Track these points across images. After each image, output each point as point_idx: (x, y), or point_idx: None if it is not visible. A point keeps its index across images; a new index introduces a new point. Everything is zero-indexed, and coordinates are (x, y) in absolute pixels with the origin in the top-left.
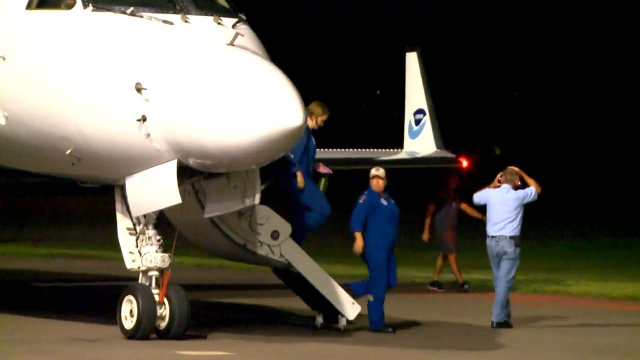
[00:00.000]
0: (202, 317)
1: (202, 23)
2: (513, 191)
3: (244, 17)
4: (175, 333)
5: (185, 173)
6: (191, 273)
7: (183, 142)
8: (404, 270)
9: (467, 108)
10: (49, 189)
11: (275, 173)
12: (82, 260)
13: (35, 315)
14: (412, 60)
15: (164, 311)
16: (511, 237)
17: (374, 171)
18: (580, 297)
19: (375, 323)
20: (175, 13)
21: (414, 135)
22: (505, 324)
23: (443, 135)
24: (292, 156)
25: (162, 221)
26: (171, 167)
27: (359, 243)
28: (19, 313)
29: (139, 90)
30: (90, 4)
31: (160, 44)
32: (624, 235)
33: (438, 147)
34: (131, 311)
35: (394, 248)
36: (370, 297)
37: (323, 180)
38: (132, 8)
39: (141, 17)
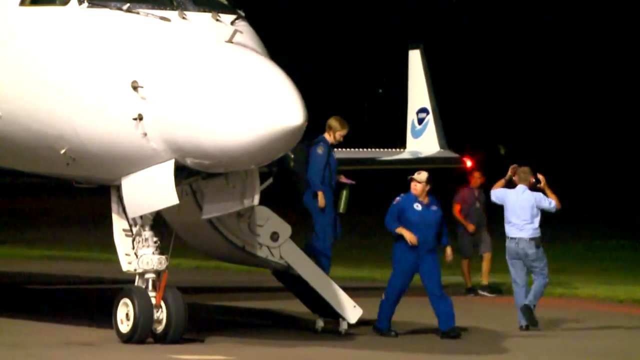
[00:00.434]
0: (199, 320)
1: (200, 20)
2: (529, 192)
3: (243, 14)
4: (172, 337)
5: (182, 173)
6: (189, 275)
7: (180, 142)
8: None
9: (471, 106)
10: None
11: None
12: (77, 263)
13: (28, 318)
14: (415, 58)
15: (161, 314)
16: (531, 239)
17: (415, 174)
18: (587, 300)
19: (380, 322)
20: (173, 9)
21: (416, 134)
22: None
23: (446, 134)
24: (313, 174)
25: (159, 222)
26: (168, 167)
27: (408, 236)
28: (12, 316)
29: (135, 88)
30: (85, 0)
31: (157, 41)
32: (631, 237)
33: (441, 146)
34: (127, 315)
35: (429, 252)
36: (382, 296)
37: (344, 191)
38: (128, 4)
39: (138, 13)
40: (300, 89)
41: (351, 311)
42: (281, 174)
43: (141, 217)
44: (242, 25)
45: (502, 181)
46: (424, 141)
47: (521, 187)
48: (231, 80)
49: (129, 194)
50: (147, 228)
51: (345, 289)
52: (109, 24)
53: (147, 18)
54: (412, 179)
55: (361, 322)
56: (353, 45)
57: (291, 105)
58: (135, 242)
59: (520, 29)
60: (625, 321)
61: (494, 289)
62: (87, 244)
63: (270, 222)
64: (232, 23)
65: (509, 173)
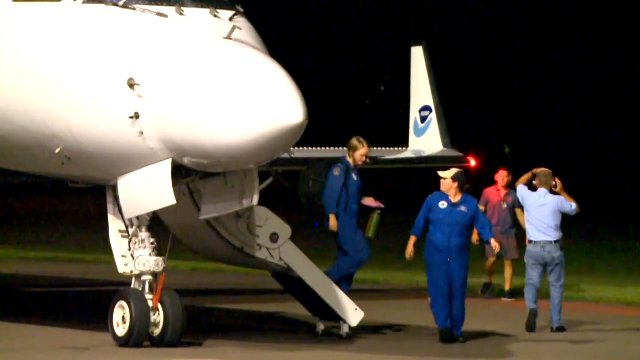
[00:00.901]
0: (197, 323)
1: (198, 16)
2: (551, 196)
3: (242, 10)
4: (169, 340)
5: (180, 173)
6: (186, 277)
7: (178, 141)
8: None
9: (475, 104)
10: (37, 189)
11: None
12: (72, 264)
13: (22, 322)
14: (417, 55)
15: (158, 317)
16: (556, 242)
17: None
18: (595, 302)
19: (439, 322)
20: (170, 5)
21: (419, 133)
22: (561, 329)
23: (450, 133)
24: (327, 197)
25: (156, 223)
26: (165, 167)
27: (408, 247)
28: (6, 320)
29: (131, 86)
30: None
31: (154, 38)
32: None
33: (445, 145)
34: (124, 317)
35: (457, 254)
36: (428, 299)
37: (375, 216)
38: (124, 0)
39: (134, 9)
40: (300, 86)
41: (353, 314)
42: (304, 195)
43: (138, 217)
44: (241, 21)
45: (529, 175)
46: (427, 140)
47: (543, 191)
48: (230, 78)
49: (125, 194)
50: (143, 229)
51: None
52: (105, 21)
53: (144, 14)
54: (440, 176)
55: (362, 325)
56: (354, 42)
57: (291, 102)
58: (131, 244)
59: (526, 25)
60: (634, 324)
61: (514, 293)
62: (82, 246)
63: (269, 222)
64: (231, 19)
65: (539, 169)
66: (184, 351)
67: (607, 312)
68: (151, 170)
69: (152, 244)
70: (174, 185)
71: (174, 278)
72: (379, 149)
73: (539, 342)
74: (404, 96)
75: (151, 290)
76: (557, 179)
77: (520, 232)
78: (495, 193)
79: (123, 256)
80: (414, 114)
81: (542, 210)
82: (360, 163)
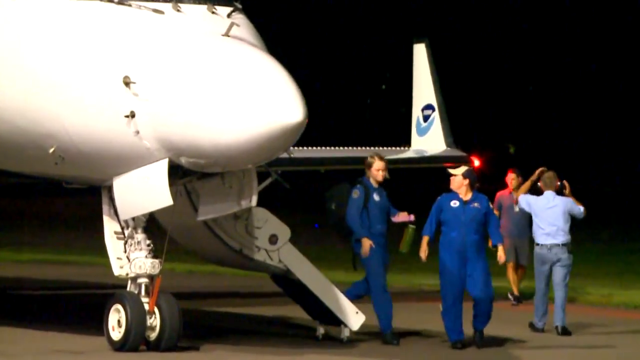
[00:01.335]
0: (195, 327)
1: (194, 12)
2: (559, 198)
3: (240, 6)
4: (166, 344)
5: (177, 173)
6: (183, 280)
7: (175, 140)
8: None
9: (479, 103)
10: (31, 190)
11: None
12: (67, 267)
13: (15, 325)
14: (420, 52)
15: (154, 321)
16: (564, 244)
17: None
18: (600, 306)
19: (454, 334)
20: (166, 1)
21: (422, 132)
22: (566, 330)
23: (453, 132)
24: (350, 220)
25: (152, 224)
26: (162, 167)
27: (422, 247)
28: None
29: (127, 84)
30: None
31: (150, 35)
32: None
33: (448, 145)
34: (119, 321)
35: (474, 254)
36: (440, 306)
37: (410, 230)
38: None
39: (130, 5)
40: (300, 84)
41: (353, 318)
42: (330, 219)
43: (133, 219)
44: (239, 18)
45: (528, 184)
46: (429, 139)
47: (550, 194)
48: (228, 76)
49: (120, 195)
50: (139, 230)
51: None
52: (100, 17)
53: (140, 10)
54: (450, 174)
55: (363, 329)
56: (355, 39)
57: (290, 101)
58: (127, 245)
59: (532, 21)
60: None
61: (521, 297)
62: (77, 247)
63: (268, 224)
64: (229, 16)
65: (536, 175)
66: (181, 355)
67: (612, 315)
68: (147, 170)
69: (148, 245)
70: (170, 185)
71: (171, 281)
72: (381, 148)
73: (547, 348)
74: (406, 94)
75: (147, 293)
76: (565, 182)
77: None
78: (506, 196)
79: (118, 258)
80: (416, 113)
81: (551, 212)
82: (380, 179)
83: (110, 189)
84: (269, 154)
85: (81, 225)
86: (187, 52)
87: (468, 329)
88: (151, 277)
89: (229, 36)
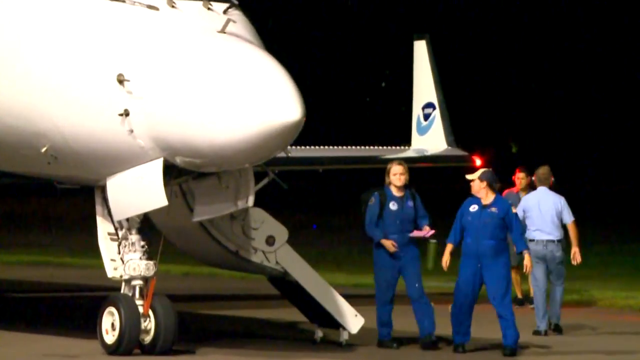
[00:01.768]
0: (190, 330)
1: (190, 8)
2: (553, 194)
3: (236, 2)
4: (161, 348)
5: (172, 173)
6: (179, 282)
7: (170, 139)
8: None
9: (481, 101)
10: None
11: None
12: (59, 269)
13: (6, 328)
14: (420, 49)
15: (149, 324)
16: (559, 241)
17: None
18: (605, 308)
19: (455, 334)
20: None
21: (422, 131)
22: (558, 328)
23: (454, 131)
24: (367, 227)
25: (146, 225)
26: (157, 167)
27: (444, 256)
28: None
29: (121, 82)
30: None
31: (145, 32)
32: None
33: (449, 144)
34: (113, 324)
35: (492, 260)
36: (449, 309)
37: (430, 245)
38: None
39: (124, 1)
40: (298, 82)
41: (352, 320)
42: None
43: (127, 219)
44: (236, 14)
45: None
46: (430, 138)
47: (544, 189)
48: (224, 73)
49: (114, 195)
50: (133, 231)
51: (346, 297)
52: (93, 13)
53: (134, 6)
54: (468, 179)
55: (363, 332)
56: (354, 35)
57: (288, 99)
58: (121, 247)
59: (533, 17)
60: None
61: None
62: (69, 249)
63: (265, 224)
64: (225, 12)
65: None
66: (176, 359)
67: (617, 318)
68: (142, 170)
69: (143, 247)
70: (165, 185)
71: (166, 283)
72: (380, 147)
73: (542, 351)
74: (406, 92)
75: (142, 296)
76: (576, 249)
77: None
78: (514, 194)
79: (112, 260)
80: (417, 111)
81: (546, 209)
82: (398, 183)
83: (103, 189)
84: (266, 153)
85: (74, 226)
86: (183, 49)
87: (475, 333)
88: (146, 279)
89: (225, 33)
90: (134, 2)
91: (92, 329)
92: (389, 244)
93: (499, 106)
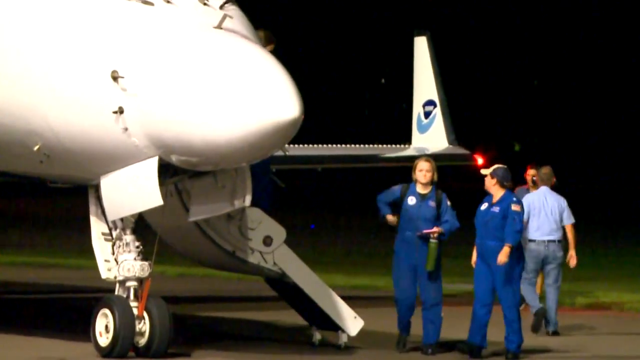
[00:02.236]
0: (186, 332)
1: (186, 4)
2: (555, 195)
3: None
4: (156, 351)
5: (167, 172)
6: (174, 283)
7: (165, 137)
8: None
9: (482, 98)
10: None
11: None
12: (52, 270)
13: None
14: (421, 46)
15: (144, 326)
16: (559, 241)
17: None
18: (610, 310)
19: (471, 335)
20: None
21: (423, 129)
22: (556, 333)
23: (456, 129)
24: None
25: (141, 225)
26: (151, 165)
27: (472, 256)
28: None
29: (115, 79)
30: None
31: (139, 27)
32: None
33: (450, 142)
34: (107, 326)
35: (494, 263)
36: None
37: (430, 245)
38: None
39: None
40: (296, 79)
41: (351, 322)
42: None
43: (122, 219)
44: (232, 9)
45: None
46: (431, 136)
47: (546, 189)
48: (220, 70)
49: (108, 195)
50: (128, 232)
51: (344, 299)
52: (87, 8)
53: (129, 2)
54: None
55: (362, 335)
56: (353, 32)
57: (286, 96)
58: (115, 247)
59: (536, 13)
60: None
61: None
62: (62, 250)
63: (263, 225)
64: (221, 7)
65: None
66: None
67: (624, 319)
68: (136, 168)
69: (137, 247)
70: (160, 184)
71: (161, 284)
72: (380, 146)
73: (543, 354)
74: (407, 90)
75: (136, 297)
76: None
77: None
78: (524, 191)
79: (106, 260)
80: (417, 109)
81: (549, 209)
82: (423, 180)
83: (97, 189)
84: (263, 151)
85: (67, 227)
86: (178, 45)
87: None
88: (140, 280)
89: (221, 29)
90: None
91: (85, 331)
92: (392, 218)
93: (501, 104)
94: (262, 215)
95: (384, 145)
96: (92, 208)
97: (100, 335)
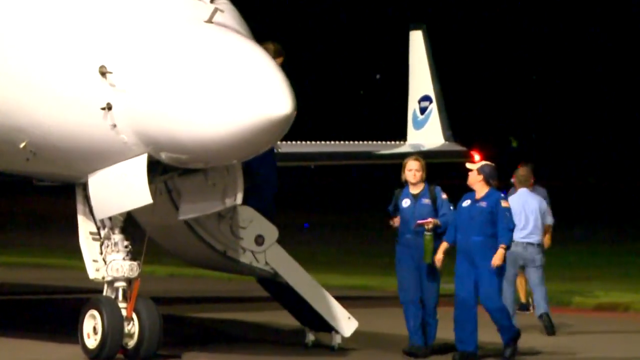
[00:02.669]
0: (176, 334)
1: None
2: (535, 196)
3: None
4: (145, 353)
5: (156, 169)
6: (164, 284)
7: (154, 134)
8: None
9: (479, 94)
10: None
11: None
12: (39, 270)
13: None
14: (416, 40)
15: (133, 328)
16: (538, 245)
17: None
18: (609, 310)
19: (459, 343)
20: None
21: (419, 125)
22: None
23: (452, 125)
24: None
25: (130, 225)
26: (140, 163)
27: (437, 253)
28: None
29: (103, 74)
30: None
31: (128, 21)
32: None
33: (446, 138)
34: (94, 328)
35: (479, 258)
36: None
37: (425, 238)
38: None
39: None
40: (288, 74)
41: (345, 323)
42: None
43: (110, 218)
44: (223, 3)
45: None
46: (426, 133)
47: (525, 191)
48: (211, 65)
49: (96, 193)
50: (116, 231)
51: (338, 299)
52: (74, 2)
53: None
54: (467, 169)
55: (356, 336)
56: (347, 25)
57: (278, 92)
58: (103, 247)
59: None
60: None
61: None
62: (49, 249)
63: (254, 223)
64: (212, 1)
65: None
66: None
67: (622, 319)
68: (125, 166)
69: (126, 247)
70: (150, 182)
71: (150, 284)
72: (375, 143)
73: (542, 355)
74: (402, 85)
75: (125, 298)
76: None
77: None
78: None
79: (94, 261)
80: (413, 105)
81: (529, 211)
82: (412, 180)
83: (85, 187)
84: (255, 148)
85: (54, 226)
86: (168, 39)
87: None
88: (129, 281)
89: (212, 23)
90: None
91: (73, 333)
92: (394, 220)
93: (498, 99)
94: (253, 214)
95: (379, 142)
96: (80, 207)
97: (88, 337)
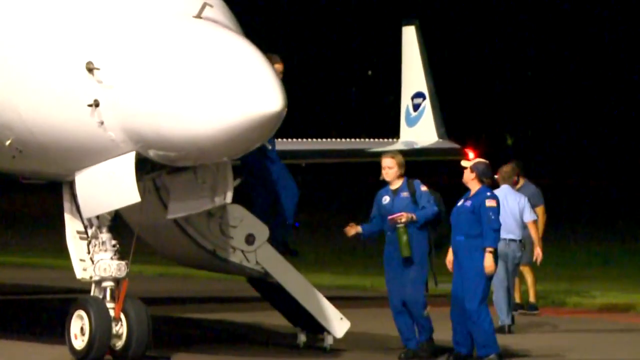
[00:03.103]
0: (165, 334)
1: None
2: (516, 194)
3: None
4: (133, 354)
5: (145, 167)
6: (152, 284)
7: (142, 131)
8: None
9: (474, 90)
10: None
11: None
12: (25, 270)
13: None
14: (409, 35)
15: (121, 328)
16: (520, 241)
17: None
18: (606, 310)
19: (455, 344)
20: None
21: (412, 122)
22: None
23: (446, 122)
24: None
25: (118, 223)
26: (128, 160)
27: (447, 256)
28: None
29: (90, 70)
30: None
31: (116, 16)
32: None
33: (440, 136)
34: (82, 329)
35: (462, 257)
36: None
37: (399, 231)
38: None
39: None
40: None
41: (337, 324)
42: None
43: (98, 217)
44: None
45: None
46: (420, 130)
47: (506, 188)
48: (200, 61)
49: (83, 191)
50: (104, 230)
51: (330, 299)
52: None
53: None
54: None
55: (348, 336)
56: (339, 21)
57: (268, 89)
58: (90, 246)
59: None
60: None
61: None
62: (35, 249)
63: (245, 222)
64: None
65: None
66: None
67: (620, 320)
68: (113, 164)
69: (114, 246)
70: (138, 180)
71: (139, 284)
72: (367, 140)
73: (548, 354)
74: (394, 81)
75: (113, 298)
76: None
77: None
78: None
79: (81, 260)
80: (406, 102)
81: (509, 208)
82: (387, 178)
83: (72, 185)
84: (245, 146)
85: (41, 225)
86: (156, 35)
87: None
88: (117, 281)
89: (201, 18)
90: None
91: (60, 333)
92: (348, 228)
93: (493, 96)
94: (244, 212)
95: (371, 139)
96: (67, 205)
97: (76, 337)
